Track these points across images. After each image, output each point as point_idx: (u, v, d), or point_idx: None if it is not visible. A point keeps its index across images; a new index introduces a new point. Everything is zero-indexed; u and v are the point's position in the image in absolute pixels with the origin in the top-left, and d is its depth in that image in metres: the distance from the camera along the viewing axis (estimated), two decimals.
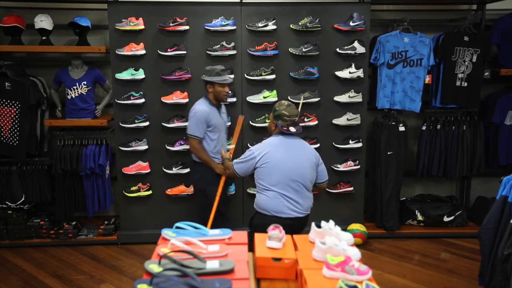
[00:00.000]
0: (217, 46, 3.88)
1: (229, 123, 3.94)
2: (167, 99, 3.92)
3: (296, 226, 2.74)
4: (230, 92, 3.49)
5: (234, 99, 3.94)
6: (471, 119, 4.36)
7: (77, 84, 4.00)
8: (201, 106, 3.39)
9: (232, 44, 3.87)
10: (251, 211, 4.11)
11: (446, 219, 4.31)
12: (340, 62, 4.00)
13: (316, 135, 4.05)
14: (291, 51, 3.93)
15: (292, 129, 2.84)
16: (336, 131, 4.10)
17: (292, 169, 2.76)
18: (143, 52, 3.85)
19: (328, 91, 4.03)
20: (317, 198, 4.13)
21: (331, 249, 1.77)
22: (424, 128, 4.35)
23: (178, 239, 1.77)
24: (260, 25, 3.87)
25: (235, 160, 2.99)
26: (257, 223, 2.79)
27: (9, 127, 3.96)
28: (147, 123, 3.96)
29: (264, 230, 2.14)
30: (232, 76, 3.45)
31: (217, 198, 3.37)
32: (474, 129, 4.34)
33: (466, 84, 4.21)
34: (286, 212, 2.74)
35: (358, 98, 4.02)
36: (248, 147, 4.03)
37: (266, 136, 3.95)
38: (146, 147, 3.98)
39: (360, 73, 3.97)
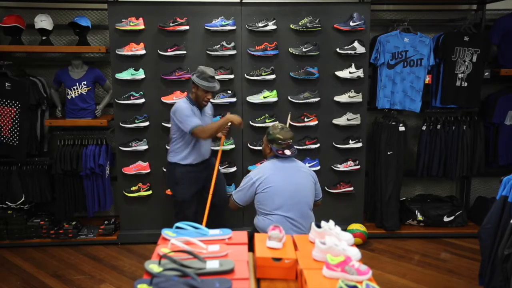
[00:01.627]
0: (217, 46, 3.88)
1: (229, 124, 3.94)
2: (167, 99, 3.92)
3: None
4: (211, 98, 3.47)
5: (234, 99, 3.94)
6: (471, 119, 4.36)
7: (77, 84, 4.00)
8: (182, 103, 3.39)
9: (232, 44, 3.87)
10: (251, 211, 4.13)
11: (446, 219, 4.31)
12: (340, 62, 4.00)
13: (316, 135, 4.05)
14: (291, 51, 3.93)
15: (288, 152, 2.86)
16: (336, 131, 4.10)
17: (293, 191, 2.78)
18: (143, 52, 3.85)
19: (328, 91, 4.03)
20: None
21: (331, 249, 1.77)
22: (424, 128, 4.35)
23: (178, 239, 1.77)
24: (260, 25, 3.87)
25: (233, 191, 2.96)
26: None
27: (9, 127, 3.96)
28: (147, 123, 3.96)
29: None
30: (218, 88, 3.44)
31: (215, 172, 3.46)
32: (474, 129, 4.34)
33: (466, 84, 4.21)
34: (291, 234, 2.70)
35: (358, 98, 4.02)
36: (248, 147, 4.04)
37: (263, 134, 3.97)
38: (146, 147, 3.98)
39: (360, 73, 3.97)
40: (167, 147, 3.97)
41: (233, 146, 4.01)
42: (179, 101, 3.47)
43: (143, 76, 3.89)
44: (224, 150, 4.00)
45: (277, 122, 3.00)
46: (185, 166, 3.44)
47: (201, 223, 3.56)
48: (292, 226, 2.75)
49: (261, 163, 3.06)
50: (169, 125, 3.92)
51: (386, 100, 4.16)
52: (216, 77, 3.87)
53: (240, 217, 4.17)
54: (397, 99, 4.16)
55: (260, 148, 3.95)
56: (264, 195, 2.78)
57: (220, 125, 3.37)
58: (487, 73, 4.26)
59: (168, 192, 3.95)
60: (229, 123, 3.45)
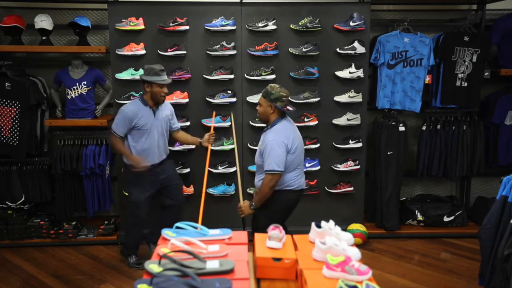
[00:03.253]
0: (217, 46, 3.88)
1: (229, 124, 3.95)
2: (167, 99, 3.91)
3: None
4: (167, 92, 3.45)
5: (234, 99, 3.94)
6: (471, 119, 4.36)
7: (77, 84, 4.00)
8: (130, 105, 3.40)
9: (232, 44, 3.87)
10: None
11: (446, 219, 4.31)
12: (340, 62, 4.00)
13: (316, 135, 4.05)
14: (291, 51, 3.93)
15: (290, 108, 3.02)
16: (336, 131, 4.10)
17: (303, 149, 3.11)
18: (143, 52, 3.85)
19: (328, 91, 4.03)
20: (317, 198, 4.14)
21: (331, 249, 1.77)
22: (424, 128, 4.35)
23: (178, 239, 1.77)
24: (260, 25, 3.87)
25: (271, 166, 2.86)
26: (283, 200, 3.01)
27: (9, 127, 3.96)
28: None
29: (292, 205, 3.09)
30: (170, 80, 3.43)
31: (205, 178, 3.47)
32: (474, 129, 4.34)
33: (466, 84, 4.21)
34: (303, 185, 3.13)
35: (358, 98, 4.02)
36: (248, 147, 4.04)
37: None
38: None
39: (360, 73, 3.97)
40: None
41: (233, 146, 4.01)
42: (130, 101, 3.49)
43: None
44: (224, 150, 4.01)
45: (272, 83, 3.09)
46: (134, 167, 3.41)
47: (151, 226, 3.68)
48: (304, 178, 3.14)
49: (268, 130, 3.00)
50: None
51: (386, 100, 4.16)
52: (216, 77, 3.90)
53: (240, 217, 4.16)
54: (397, 99, 4.16)
55: None
56: (292, 155, 2.96)
57: (125, 155, 3.41)
58: (487, 73, 4.26)
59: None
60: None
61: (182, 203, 3.72)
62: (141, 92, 3.57)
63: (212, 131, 3.68)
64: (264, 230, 2.50)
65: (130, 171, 3.42)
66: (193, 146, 3.98)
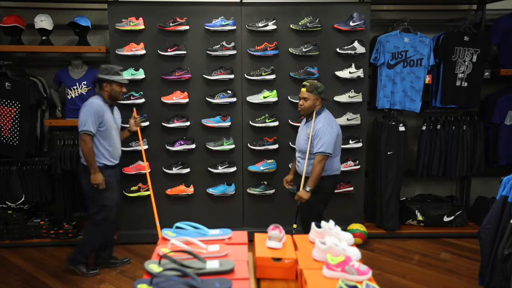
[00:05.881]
0: (217, 46, 3.88)
1: (228, 123, 3.95)
2: (167, 99, 3.92)
3: None
4: (126, 91, 3.49)
5: (234, 99, 3.94)
6: (471, 119, 4.36)
7: (77, 84, 3.99)
8: (95, 100, 3.34)
9: (232, 44, 3.87)
10: (251, 211, 4.14)
11: (446, 219, 4.31)
12: (340, 62, 4.00)
13: None
14: (291, 51, 3.93)
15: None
16: None
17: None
18: (143, 52, 3.85)
19: (328, 91, 4.01)
20: None
21: (331, 249, 1.77)
22: (424, 128, 4.35)
23: (178, 239, 1.77)
24: (260, 25, 3.87)
25: (321, 149, 3.14)
26: (331, 183, 3.36)
27: (9, 127, 3.95)
28: (147, 123, 3.96)
29: (336, 188, 3.66)
30: (127, 80, 3.47)
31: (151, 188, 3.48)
32: (474, 129, 4.34)
33: (466, 84, 4.21)
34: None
35: (358, 98, 4.02)
36: (248, 147, 4.04)
37: (267, 135, 3.98)
38: (146, 147, 3.98)
39: (360, 73, 3.97)
40: (168, 147, 3.98)
41: (233, 146, 4.01)
42: (91, 98, 3.40)
43: (143, 76, 3.89)
44: (224, 150, 4.01)
45: (311, 80, 3.40)
46: (107, 168, 3.37)
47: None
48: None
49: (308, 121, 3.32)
50: (169, 125, 3.93)
51: (386, 100, 4.16)
52: (216, 77, 3.90)
53: (240, 217, 4.18)
54: (397, 99, 4.16)
55: (260, 148, 3.96)
56: (338, 138, 3.29)
57: (90, 162, 3.26)
58: (487, 73, 4.26)
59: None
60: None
61: (120, 206, 3.67)
62: (98, 94, 3.43)
63: (135, 114, 3.67)
64: (317, 215, 3.25)
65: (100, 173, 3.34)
66: (193, 146, 3.98)
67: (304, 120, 3.41)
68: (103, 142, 3.34)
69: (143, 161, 4.01)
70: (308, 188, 3.15)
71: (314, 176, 3.17)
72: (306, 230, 3.28)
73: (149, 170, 3.87)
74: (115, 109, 3.52)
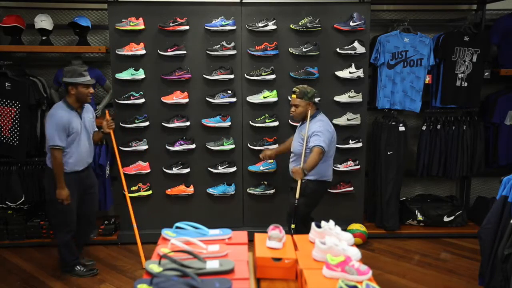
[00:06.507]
0: (217, 46, 3.88)
1: (228, 123, 3.95)
2: (167, 99, 3.92)
3: None
4: (93, 92, 3.39)
5: (234, 99, 3.94)
6: (471, 119, 4.36)
7: None
8: (58, 111, 3.20)
9: (232, 44, 3.87)
10: (251, 211, 4.14)
11: (446, 219, 4.31)
12: (340, 62, 4.00)
13: None
14: (291, 51, 3.93)
15: (317, 99, 3.39)
16: (336, 131, 4.06)
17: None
18: (143, 52, 3.85)
19: (328, 91, 4.03)
20: None
21: (331, 249, 1.77)
22: (424, 128, 4.35)
23: (178, 239, 1.77)
24: (260, 25, 3.87)
25: (319, 144, 3.13)
26: (321, 189, 3.41)
27: (9, 127, 3.95)
28: (147, 123, 3.96)
29: (325, 193, 3.57)
30: (94, 80, 3.38)
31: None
32: (474, 129, 4.34)
33: (466, 84, 4.21)
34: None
35: (358, 98, 4.02)
36: (248, 147, 4.04)
37: (267, 135, 3.98)
38: (146, 147, 3.98)
39: (360, 73, 3.97)
40: (168, 147, 3.98)
41: (233, 146, 4.01)
42: (54, 107, 3.26)
43: (143, 76, 3.89)
44: (224, 150, 4.01)
45: (300, 85, 3.38)
46: (70, 174, 3.27)
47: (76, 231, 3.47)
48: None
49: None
50: (169, 125, 3.93)
51: (386, 100, 4.16)
52: (216, 77, 3.90)
53: (240, 217, 4.18)
54: (397, 99, 4.16)
55: (261, 148, 3.96)
56: (332, 143, 3.32)
57: (57, 177, 3.18)
58: (487, 73, 4.26)
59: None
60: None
61: (95, 212, 3.63)
62: (63, 100, 3.31)
63: (108, 116, 3.57)
64: (305, 216, 3.35)
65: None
66: (193, 146, 3.98)
67: (300, 122, 3.44)
68: (68, 150, 3.24)
69: (143, 161, 4.03)
70: (306, 171, 3.12)
71: (311, 162, 3.12)
72: (289, 228, 3.29)
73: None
74: (86, 109, 3.39)
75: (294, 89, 3.30)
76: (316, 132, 3.19)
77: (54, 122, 3.17)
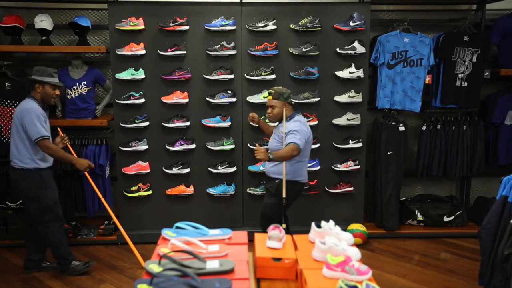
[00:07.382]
0: (217, 46, 3.88)
1: (228, 123, 3.95)
2: (167, 99, 3.92)
3: None
4: (59, 94, 3.40)
5: (234, 99, 3.94)
6: (471, 119, 4.36)
7: (77, 84, 4.00)
8: (33, 105, 3.22)
9: (232, 44, 3.87)
10: (251, 211, 4.14)
11: (446, 219, 4.31)
12: (340, 62, 4.00)
13: (316, 135, 4.05)
14: (291, 51, 3.93)
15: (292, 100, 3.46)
16: (336, 131, 4.10)
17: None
18: (143, 52, 3.85)
19: (328, 91, 4.03)
20: (317, 198, 4.15)
21: (331, 249, 1.76)
22: (424, 128, 4.35)
23: (178, 239, 1.77)
24: (260, 25, 3.87)
25: (295, 142, 3.09)
26: (295, 189, 3.32)
27: (9, 127, 3.95)
28: (147, 123, 3.96)
29: (299, 194, 3.43)
30: (62, 84, 3.42)
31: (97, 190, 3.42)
32: (474, 129, 4.34)
33: (466, 84, 4.21)
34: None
35: (358, 98, 4.02)
36: (249, 147, 4.04)
37: (267, 135, 3.97)
38: (146, 147, 3.99)
39: (360, 73, 3.97)
40: (168, 147, 3.98)
41: (233, 146, 4.01)
42: (26, 102, 3.26)
43: (143, 76, 3.89)
44: (224, 150, 4.01)
45: (274, 87, 3.38)
46: (45, 169, 3.31)
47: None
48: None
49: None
50: (169, 125, 3.93)
51: (386, 100, 4.16)
52: (216, 77, 3.90)
53: (240, 217, 4.17)
54: (397, 99, 4.16)
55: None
56: (308, 144, 3.29)
57: (66, 158, 3.31)
58: (487, 73, 4.25)
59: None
60: None
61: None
62: (31, 96, 3.31)
63: (60, 133, 3.52)
64: (274, 216, 3.25)
65: (35, 175, 3.25)
66: (193, 146, 3.98)
67: (278, 123, 3.40)
68: (34, 147, 3.24)
69: (143, 161, 4.03)
70: (271, 156, 3.07)
71: (281, 153, 3.09)
72: (263, 227, 3.29)
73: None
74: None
75: (270, 90, 3.31)
76: (293, 130, 3.17)
77: (34, 114, 3.18)
